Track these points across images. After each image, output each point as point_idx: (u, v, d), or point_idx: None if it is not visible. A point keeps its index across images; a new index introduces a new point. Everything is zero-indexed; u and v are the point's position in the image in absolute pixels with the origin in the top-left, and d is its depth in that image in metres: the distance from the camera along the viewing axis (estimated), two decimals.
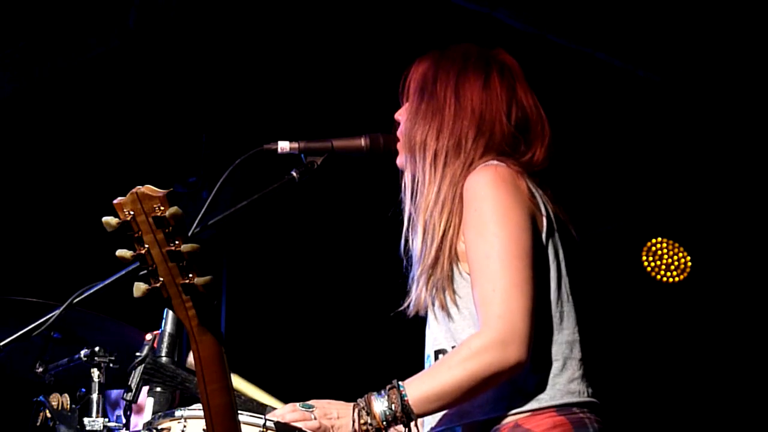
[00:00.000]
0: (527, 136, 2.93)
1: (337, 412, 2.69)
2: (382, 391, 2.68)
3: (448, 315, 2.84)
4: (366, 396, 2.68)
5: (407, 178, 2.97)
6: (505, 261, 2.70)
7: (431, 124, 2.91)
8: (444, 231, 2.84)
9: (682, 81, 5.82)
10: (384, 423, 2.65)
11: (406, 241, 2.97)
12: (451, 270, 2.83)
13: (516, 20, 5.51)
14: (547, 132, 2.95)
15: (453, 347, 2.83)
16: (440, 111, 2.91)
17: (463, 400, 2.70)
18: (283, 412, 2.69)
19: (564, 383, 2.78)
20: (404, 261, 3.00)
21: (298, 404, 2.70)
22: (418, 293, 2.89)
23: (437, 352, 2.89)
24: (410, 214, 2.95)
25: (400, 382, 2.67)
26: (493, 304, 2.68)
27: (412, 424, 2.66)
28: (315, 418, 2.66)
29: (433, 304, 2.87)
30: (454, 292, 2.83)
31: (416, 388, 2.67)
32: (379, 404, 2.65)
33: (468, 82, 2.93)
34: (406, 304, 2.96)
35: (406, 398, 2.64)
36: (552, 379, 2.77)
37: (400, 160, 3.03)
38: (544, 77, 5.77)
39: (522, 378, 2.73)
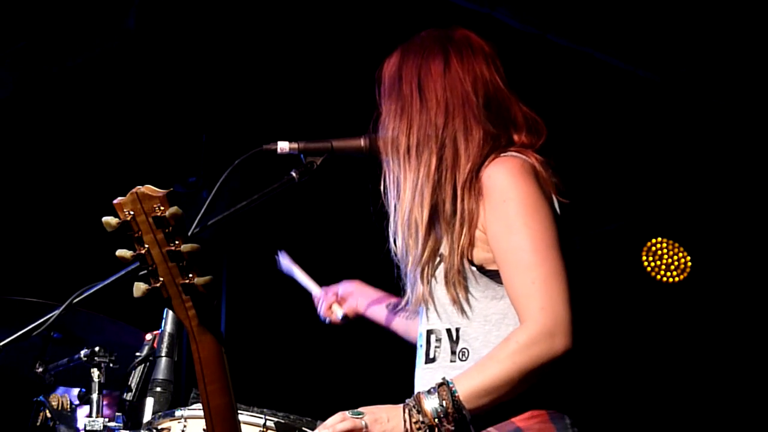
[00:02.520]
0: (494, 113, 2.93)
1: (387, 415, 2.70)
2: (431, 389, 2.69)
3: (461, 311, 2.84)
4: (415, 395, 2.70)
5: (389, 180, 2.98)
6: (541, 251, 2.73)
7: (401, 121, 2.93)
8: (428, 224, 2.84)
9: (682, 81, 5.82)
10: (436, 420, 2.66)
11: (394, 240, 2.97)
12: (462, 265, 2.82)
13: (516, 20, 5.50)
14: (510, 106, 2.95)
15: (448, 329, 2.85)
16: (408, 107, 2.93)
17: (512, 394, 2.70)
18: (333, 422, 2.69)
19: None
20: (395, 261, 3.00)
21: (347, 412, 2.70)
22: (417, 289, 2.89)
23: (429, 332, 2.89)
24: (395, 213, 2.95)
25: (449, 379, 2.69)
26: (534, 297, 2.70)
27: (465, 419, 2.67)
28: (366, 426, 2.67)
29: (432, 297, 2.87)
30: (466, 290, 2.84)
31: (466, 384, 2.68)
32: (430, 401, 2.67)
33: (429, 72, 2.95)
34: (404, 302, 2.97)
35: (456, 394, 2.66)
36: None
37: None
38: (544, 77, 5.79)
39: None
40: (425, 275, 2.87)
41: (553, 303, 2.68)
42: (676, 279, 6.84)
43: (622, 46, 5.68)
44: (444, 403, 2.65)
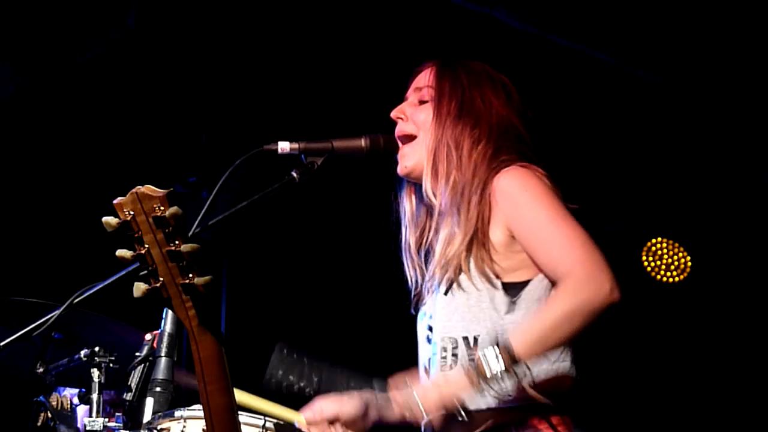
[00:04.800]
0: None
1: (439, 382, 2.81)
2: (489, 347, 2.72)
3: (478, 319, 2.89)
4: (475, 358, 2.73)
5: (428, 188, 3.03)
6: (569, 221, 2.83)
7: (463, 125, 3.03)
8: (478, 214, 2.93)
9: (682, 81, 5.82)
10: (497, 374, 2.70)
11: (420, 239, 3.07)
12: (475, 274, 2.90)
13: (515, 20, 5.50)
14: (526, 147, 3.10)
15: (465, 337, 2.89)
16: (474, 116, 3.04)
17: (564, 341, 2.77)
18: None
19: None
20: (416, 254, 3.08)
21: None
22: (447, 274, 2.93)
23: (466, 339, 2.91)
24: (440, 207, 3.02)
25: (502, 335, 2.73)
26: (570, 255, 2.78)
27: (520, 372, 2.72)
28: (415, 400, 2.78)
29: (452, 283, 2.92)
30: (494, 263, 2.90)
31: (519, 337, 2.73)
32: (489, 354, 2.71)
33: (492, 94, 3.09)
34: (441, 285, 2.97)
35: (512, 348, 2.70)
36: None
37: (408, 167, 3.07)
38: (544, 77, 5.79)
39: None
40: (461, 259, 2.91)
41: (591, 253, 2.76)
42: (676, 279, 6.84)
43: (621, 46, 5.68)
44: (501, 356, 2.69)
